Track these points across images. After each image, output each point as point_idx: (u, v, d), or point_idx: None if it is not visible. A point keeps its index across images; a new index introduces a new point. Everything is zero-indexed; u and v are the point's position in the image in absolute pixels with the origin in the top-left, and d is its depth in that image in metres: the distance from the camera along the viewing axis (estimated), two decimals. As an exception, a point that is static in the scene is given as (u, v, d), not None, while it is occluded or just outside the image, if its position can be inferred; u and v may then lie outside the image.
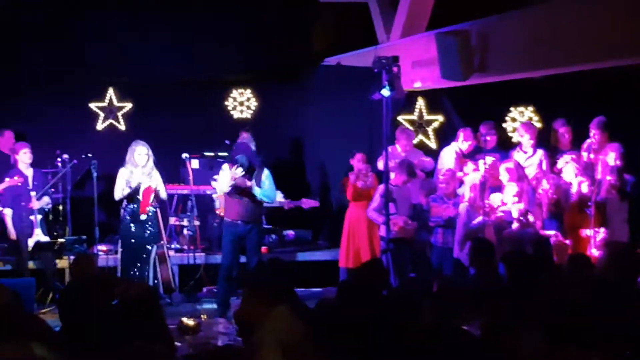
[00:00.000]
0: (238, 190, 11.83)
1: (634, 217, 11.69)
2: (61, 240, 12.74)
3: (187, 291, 13.30)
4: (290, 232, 14.87)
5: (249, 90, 16.28)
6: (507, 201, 11.33)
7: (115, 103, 15.80)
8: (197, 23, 14.66)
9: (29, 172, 12.68)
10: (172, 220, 14.03)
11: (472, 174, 11.93)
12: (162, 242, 12.83)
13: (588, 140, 12.24)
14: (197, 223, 13.66)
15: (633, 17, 9.20)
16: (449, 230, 11.68)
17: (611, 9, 9.59)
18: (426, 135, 15.31)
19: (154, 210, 12.56)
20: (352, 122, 14.32)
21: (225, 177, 11.85)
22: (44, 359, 4.64)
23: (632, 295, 6.95)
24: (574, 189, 11.56)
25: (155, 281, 12.59)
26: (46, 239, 12.63)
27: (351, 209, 12.90)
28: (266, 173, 12.14)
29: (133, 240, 12.38)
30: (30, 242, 12.50)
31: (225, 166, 12.00)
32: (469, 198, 11.46)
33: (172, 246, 13.89)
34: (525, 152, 12.50)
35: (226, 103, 16.23)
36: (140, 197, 12.36)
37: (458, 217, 11.45)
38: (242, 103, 16.28)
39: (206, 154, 14.51)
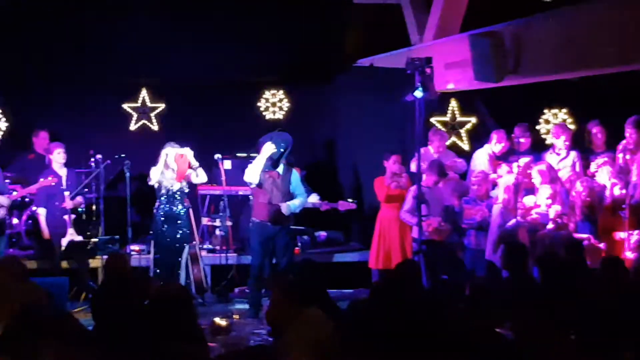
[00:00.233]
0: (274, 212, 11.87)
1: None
2: (94, 240, 12.78)
3: (219, 291, 13.32)
4: (323, 233, 14.85)
5: (281, 91, 16.30)
6: (540, 203, 11.28)
7: (148, 104, 15.87)
8: (230, 24, 14.66)
9: (63, 172, 12.74)
10: (205, 221, 14.06)
11: (506, 176, 11.86)
12: (194, 242, 12.85)
13: (623, 142, 12.13)
14: (229, 223, 13.67)
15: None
16: (482, 233, 11.63)
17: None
18: (459, 137, 15.27)
19: (186, 209, 12.58)
20: (384, 123, 14.28)
21: (260, 162, 11.83)
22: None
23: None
24: (607, 192, 11.47)
25: (188, 281, 12.61)
26: (79, 238, 12.68)
27: (383, 210, 12.87)
28: (295, 175, 12.14)
29: (166, 241, 12.40)
30: (64, 242, 12.55)
31: (267, 146, 11.97)
32: (502, 200, 11.41)
33: (205, 246, 13.93)
34: (558, 154, 12.43)
35: (258, 104, 16.25)
36: (174, 166, 12.33)
37: (491, 219, 11.41)
38: (274, 104, 16.30)
39: (238, 154, 14.52)
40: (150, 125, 15.83)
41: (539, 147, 13.53)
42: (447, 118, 15.32)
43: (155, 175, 12.32)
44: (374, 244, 12.85)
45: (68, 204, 12.57)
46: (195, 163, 12.48)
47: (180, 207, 12.43)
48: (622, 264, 8.76)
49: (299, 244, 13.98)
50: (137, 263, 13.02)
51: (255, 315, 11.71)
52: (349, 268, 13.91)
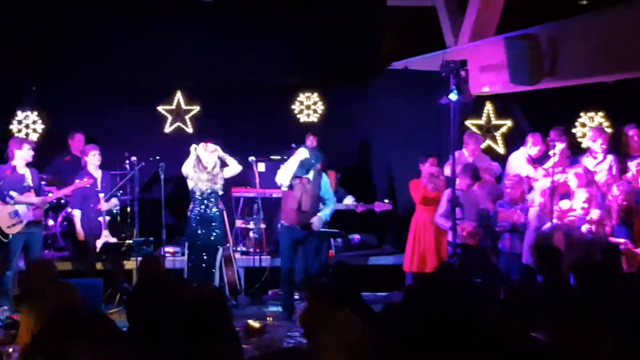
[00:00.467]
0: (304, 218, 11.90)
1: None
2: (129, 241, 12.82)
3: (252, 293, 13.33)
4: (356, 236, 14.84)
5: (316, 94, 16.32)
6: (576, 207, 11.20)
7: (183, 106, 15.94)
8: (266, 26, 14.68)
9: (98, 174, 12.80)
10: (239, 223, 14.08)
11: (542, 180, 11.80)
12: (228, 244, 12.86)
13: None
14: (263, 226, 13.68)
15: None
16: (516, 236, 11.57)
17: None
18: (494, 140, 15.21)
19: (221, 211, 12.60)
20: (419, 126, 14.23)
21: (293, 164, 11.84)
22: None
23: None
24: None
25: (221, 283, 12.62)
26: (114, 240, 12.72)
27: (418, 212, 12.82)
28: (325, 179, 12.14)
29: (199, 243, 12.42)
30: (98, 244, 12.60)
31: (301, 150, 11.99)
32: (539, 203, 11.35)
33: (238, 249, 13.95)
34: (595, 158, 12.35)
35: (293, 107, 16.28)
36: (202, 154, 12.34)
37: (528, 223, 11.35)
38: (308, 107, 16.33)
39: (272, 157, 14.53)
40: (185, 128, 15.90)
41: (574, 151, 13.44)
42: (482, 121, 15.26)
43: (187, 169, 12.33)
44: (409, 246, 12.80)
45: (103, 205, 12.62)
46: (222, 154, 12.45)
47: (214, 209, 12.44)
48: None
49: (333, 246, 13.98)
50: (171, 265, 13.04)
51: (288, 317, 11.72)
52: (383, 271, 13.89)
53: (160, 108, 15.94)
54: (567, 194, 11.52)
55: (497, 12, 13.39)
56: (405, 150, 14.37)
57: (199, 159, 12.25)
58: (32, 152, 12.16)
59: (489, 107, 15.19)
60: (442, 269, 8.71)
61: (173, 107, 15.96)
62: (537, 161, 12.71)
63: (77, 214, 12.70)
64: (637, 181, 11.81)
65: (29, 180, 12.19)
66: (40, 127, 15.37)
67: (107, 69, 14.79)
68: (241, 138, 14.74)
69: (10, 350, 8.14)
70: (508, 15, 13.41)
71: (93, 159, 12.77)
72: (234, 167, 12.51)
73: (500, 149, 15.07)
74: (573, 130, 15.06)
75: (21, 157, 12.08)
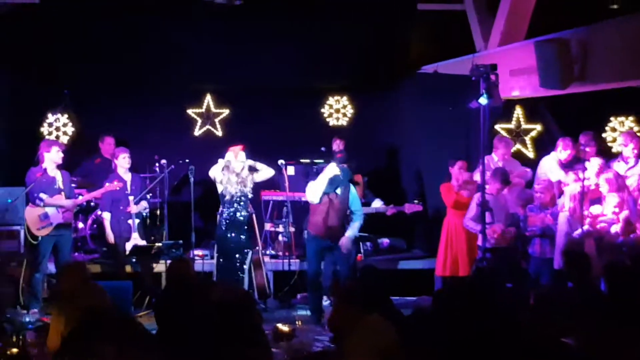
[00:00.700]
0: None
1: None
2: (158, 244, 12.85)
3: (281, 297, 13.34)
4: (385, 240, 14.81)
5: (345, 98, 16.33)
6: (607, 212, 11.14)
7: (213, 109, 15.98)
8: (295, 30, 14.67)
9: (128, 177, 12.84)
10: (268, 226, 14.09)
11: (572, 184, 11.73)
12: (257, 247, 12.86)
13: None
14: (292, 229, 13.69)
15: None
16: (546, 240, 11.53)
17: None
18: (524, 144, 15.15)
19: (250, 215, 12.61)
20: (448, 130, 14.18)
21: (322, 181, 11.85)
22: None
23: None
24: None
25: (250, 287, 12.62)
26: (143, 243, 12.75)
27: (450, 216, 12.77)
28: (353, 192, 12.13)
29: (229, 246, 12.43)
30: (128, 246, 12.63)
31: (331, 166, 11.99)
32: (568, 208, 11.29)
33: (267, 252, 13.96)
34: (626, 162, 12.27)
35: (322, 110, 16.29)
36: (232, 159, 12.38)
37: (558, 228, 11.29)
38: (338, 110, 16.34)
39: (302, 160, 14.54)
40: (215, 131, 15.94)
41: (605, 155, 13.35)
42: (511, 125, 15.20)
43: (215, 173, 12.36)
44: (441, 251, 12.74)
45: (132, 208, 12.66)
46: (252, 163, 12.47)
47: (244, 212, 12.46)
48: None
49: (362, 250, 13.96)
50: (200, 268, 13.04)
51: (317, 321, 11.72)
52: (412, 275, 13.84)
53: (190, 111, 16.00)
54: (598, 199, 11.46)
55: (527, 16, 13.35)
56: (434, 154, 14.33)
57: (228, 164, 12.29)
58: (61, 155, 12.22)
59: (518, 111, 15.12)
60: (473, 274, 8.68)
61: (203, 110, 16.02)
62: (567, 165, 12.64)
63: (106, 216, 12.75)
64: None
65: (59, 183, 12.26)
66: (70, 129, 15.46)
67: (138, 72, 14.85)
68: (270, 141, 14.74)
69: (40, 352, 8.21)
70: (538, 19, 13.36)
71: (123, 162, 12.81)
72: (266, 172, 12.54)
73: (530, 153, 15.00)
74: (603, 135, 14.97)
75: (50, 159, 12.15)
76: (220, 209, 12.51)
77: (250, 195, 12.53)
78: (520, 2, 13.30)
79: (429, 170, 14.74)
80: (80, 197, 12.83)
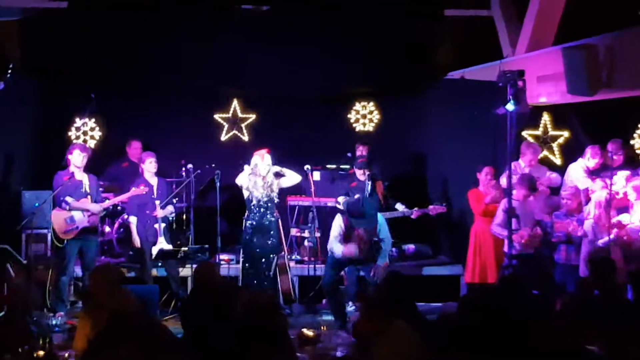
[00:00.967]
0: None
1: None
2: (184, 248, 12.87)
3: (306, 302, 13.33)
4: (411, 246, 14.78)
5: (372, 103, 16.32)
6: (634, 220, 11.09)
7: (239, 114, 16.01)
8: (321, 36, 14.66)
9: (154, 181, 12.87)
10: (293, 232, 14.10)
11: (599, 192, 11.68)
12: (283, 252, 12.86)
13: None
14: (317, 234, 13.67)
15: None
16: (572, 247, 11.48)
17: None
18: (551, 150, 15.08)
19: (276, 220, 12.62)
20: (475, 136, 14.14)
21: (334, 235, 11.86)
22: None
23: None
24: None
25: (276, 291, 12.61)
26: (169, 247, 12.78)
27: (478, 223, 12.75)
28: (381, 220, 12.09)
29: (255, 251, 12.45)
30: (154, 250, 12.66)
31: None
32: (594, 216, 11.24)
33: (293, 257, 13.97)
34: (656, 170, 12.21)
35: (349, 116, 16.29)
36: (259, 164, 12.41)
37: (583, 235, 11.24)
38: (364, 116, 16.34)
39: (328, 166, 14.55)
40: (241, 136, 15.97)
41: (632, 163, 13.28)
42: (538, 132, 15.12)
43: (242, 180, 12.41)
44: (470, 258, 12.72)
45: (159, 212, 12.69)
46: (278, 168, 12.50)
47: (270, 217, 12.48)
48: None
49: (387, 256, 13.93)
50: (225, 273, 13.06)
51: (342, 326, 11.70)
52: (438, 281, 13.81)
53: (216, 116, 16.04)
54: (626, 208, 11.40)
55: (555, 22, 13.29)
56: (460, 160, 14.29)
57: (255, 168, 12.32)
58: (81, 157, 12.27)
59: (546, 118, 15.04)
60: (500, 281, 8.66)
61: (229, 115, 16.05)
62: (594, 172, 12.58)
63: (133, 220, 12.79)
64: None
65: (86, 187, 12.32)
66: (98, 134, 15.52)
67: (165, 77, 14.89)
68: (297, 146, 14.76)
69: (67, 355, 8.25)
70: (566, 26, 13.30)
71: (150, 167, 12.85)
72: (292, 178, 12.56)
73: (557, 159, 14.92)
74: (631, 142, 14.87)
75: (73, 162, 12.23)
76: (247, 213, 12.53)
77: (276, 200, 12.55)
78: (548, 8, 13.24)
79: (455, 176, 14.71)
80: (107, 201, 12.88)
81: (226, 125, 16.02)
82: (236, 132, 16.01)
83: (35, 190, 13.10)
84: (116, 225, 14.18)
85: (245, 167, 12.41)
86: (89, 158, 12.45)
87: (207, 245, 12.88)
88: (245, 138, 15.97)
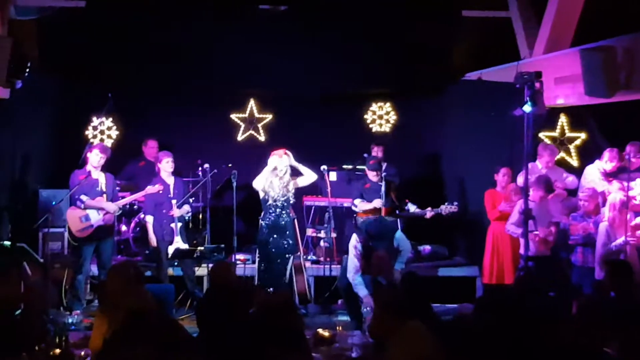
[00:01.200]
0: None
1: None
2: (200, 248, 12.87)
3: (322, 303, 13.33)
4: (427, 247, 14.76)
5: (388, 104, 16.32)
6: (651, 222, 11.06)
7: (256, 114, 16.03)
8: (339, 36, 14.67)
9: (171, 181, 12.89)
10: (309, 232, 14.11)
11: (614, 194, 11.63)
12: (298, 253, 12.86)
13: None
14: (333, 235, 13.67)
15: None
16: (589, 249, 11.43)
17: None
18: (568, 152, 15.03)
19: (292, 220, 12.62)
20: (492, 137, 14.11)
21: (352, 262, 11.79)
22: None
23: None
24: None
25: (291, 291, 12.60)
26: (185, 246, 12.80)
27: (494, 224, 12.73)
28: (398, 235, 12.04)
29: (270, 251, 12.45)
30: (170, 249, 12.68)
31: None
32: (608, 218, 11.20)
33: (309, 257, 13.97)
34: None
35: (365, 116, 16.29)
36: (277, 163, 12.42)
37: (597, 238, 11.20)
38: (381, 117, 16.34)
39: (344, 166, 14.55)
40: (257, 136, 16.00)
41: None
42: (556, 133, 15.08)
43: (258, 183, 12.42)
44: (487, 258, 12.69)
45: (175, 212, 12.70)
46: (295, 163, 12.49)
47: (286, 217, 12.48)
48: None
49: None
50: (241, 272, 13.09)
51: (358, 327, 11.68)
52: (453, 282, 13.78)
53: (233, 116, 16.07)
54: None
55: (573, 23, 13.25)
56: (477, 161, 14.27)
57: (275, 170, 12.33)
58: (99, 157, 12.30)
59: (563, 119, 14.99)
60: (517, 282, 8.64)
61: (246, 115, 16.08)
62: (610, 175, 12.54)
63: (149, 220, 12.81)
64: None
65: (102, 185, 12.36)
66: (115, 133, 15.56)
67: (182, 77, 14.92)
68: (313, 147, 14.73)
69: (83, 353, 8.26)
70: (584, 27, 13.26)
71: (166, 166, 12.86)
72: (309, 176, 12.55)
73: (574, 161, 14.87)
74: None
75: (90, 162, 12.27)
76: (263, 213, 12.54)
77: (292, 200, 12.55)
78: (566, 9, 13.20)
79: (472, 178, 14.68)
80: (122, 200, 12.90)
81: (243, 125, 16.05)
82: (252, 132, 16.04)
83: (52, 189, 13.15)
84: (132, 225, 14.21)
85: (264, 171, 12.40)
86: (107, 159, 12.47)
87: (223, 245, 12.87)
88: (262, 138, 15.99)
